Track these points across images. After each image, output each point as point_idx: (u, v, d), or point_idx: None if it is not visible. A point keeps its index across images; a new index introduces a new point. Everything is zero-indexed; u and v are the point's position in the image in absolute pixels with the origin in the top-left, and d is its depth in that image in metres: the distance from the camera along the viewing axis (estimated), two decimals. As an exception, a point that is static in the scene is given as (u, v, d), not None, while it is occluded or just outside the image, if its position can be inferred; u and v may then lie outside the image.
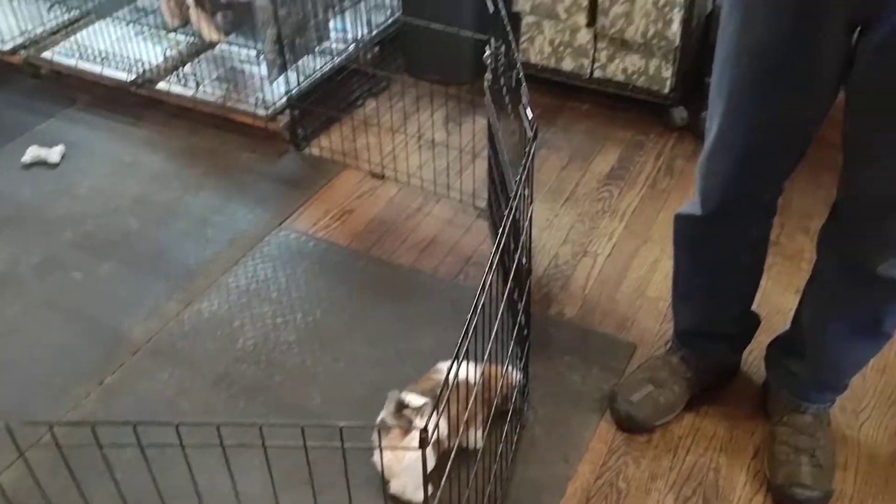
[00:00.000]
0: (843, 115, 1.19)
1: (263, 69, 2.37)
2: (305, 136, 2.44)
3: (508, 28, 1.61)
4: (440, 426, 1.09)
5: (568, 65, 2.54)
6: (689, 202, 1.44)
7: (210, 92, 2.43)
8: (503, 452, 1.46)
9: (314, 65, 2.45)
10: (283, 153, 2.42)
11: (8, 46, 2.67)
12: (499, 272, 1.29)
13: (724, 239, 1.43)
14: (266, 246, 2.08)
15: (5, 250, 2.08)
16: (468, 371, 1.29)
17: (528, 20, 2.52)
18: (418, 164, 2.34)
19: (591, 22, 2.41)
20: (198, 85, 2.43)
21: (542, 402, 1.66)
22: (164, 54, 2.54)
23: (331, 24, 2.54)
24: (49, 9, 2.72)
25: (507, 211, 1.21)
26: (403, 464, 1.38)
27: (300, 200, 2.23)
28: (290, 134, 2.41)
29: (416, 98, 2.52)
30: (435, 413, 0.91)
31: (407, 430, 1.31)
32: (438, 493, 1.13)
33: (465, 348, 0.97)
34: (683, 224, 1.47)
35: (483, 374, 1.27)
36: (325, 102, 2.45)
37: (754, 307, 1.62)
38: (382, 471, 1.32)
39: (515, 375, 1.53)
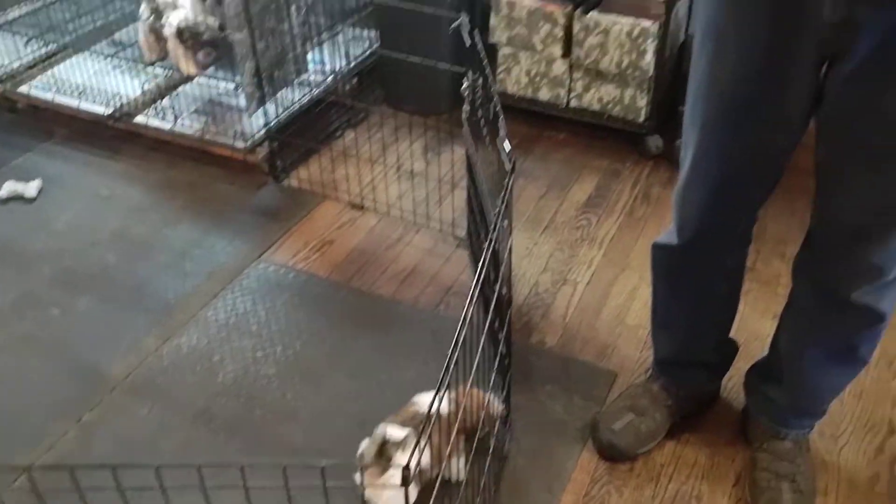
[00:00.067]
0: (815, 144, 1.21)
1: (242, 101, 2.38)
2: (284, 167, 2.44)
3: (485, 62, 1.63)
4: (423, 456, 1.08)
5: (545, 95, 2.57)
6: (666, 232, 1.46)
7: (188, 125, 2.43)
8: (486, 484, 1.46)
9: (293, 97, 2.47)
10: (261, 185, 2.42)
11: (-16, 81, 2.66)
12: (479, 302, 1.30)
13: (701, 268, 1.44)
14: (245, 279, 2.07)
15: (-19, 287, 2.06)
16: (449, 401, 1.29)
17: (504, 51, 2.55)
18: (398, 195, 2.35)
19: (567, 53, 2.45)
20: (176, 118, 2.43)
21: (524, 433, 1.66)
22: (142, 88, 2.54)
23: (309, 56, 2.56)
24: (26, 43, 2.71)
25: (486, 244, 1.22)
26: (384, 499, 1.37)
27: (279, 232, 2.23)
28: (268, 166, 2.42)
29: (395, 129, 2.54)
30: (417, 449, 0.91)
31: (388, 465, 1.30)
32: (422, 528, 1.12)
33: (447, 382, 0.97)
34: (661, 253, 1.49)
35: (464, 402, 1.28)
36: (303, 134, 2.46)
37: (732, 333, 1.63)
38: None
39: (497, 404, 1.53)
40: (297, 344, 1.88)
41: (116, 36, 2.78)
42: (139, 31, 2.50)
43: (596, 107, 2.51)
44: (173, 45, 2.32)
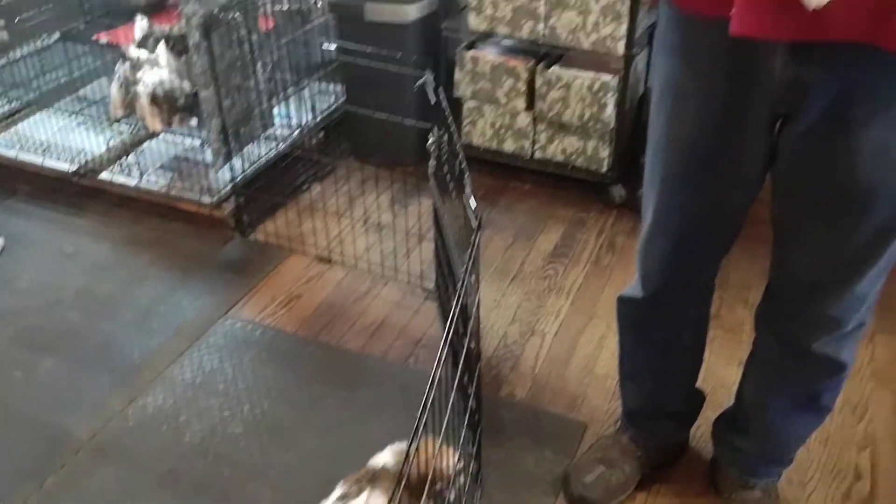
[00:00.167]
0: (771, 200, 1.24)
1: (208, 156, 2.38)
2: (251, 222, 2.44)
3: (450, 119, 1.66)
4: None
5: (509, 146, 2.61)
6: (631, 284, 1.48)
7: (154, 181, 2.43)
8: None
9: (259, 151, 2.48)
10: (228, 240, 2.42)
11: (-55, 139, 2.64)
12: (449, 357, 1.30)
13: (666, 320, 1.46)
14: (212, 336, 2.05)
15: (-60, 349, 2.02)
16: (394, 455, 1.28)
17: (469, 105, 2.59)
18: (365, 247, 2.36)
19: (530, 106, 2.50)
20: (141, 174, 2.43)
21: (495, 488, 1.65)
22: (107, 144, 2.53)
23: (275, 110, 2.58)
24: (-10, 101, 2.71)
25: (454, 302, 1.23)
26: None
27: (246, 287, 2.22)
28: (235, 221, 2.41)
29: (362, 181, 2.56)
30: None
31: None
32: None
33: (415, 448, 0.97)
34: (626, 307, 1.51)
35: (413, 457, 1.26)
36: (270, 188, 2.46)
37: (699, 381, 1.65)
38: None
39: (453, 458, 1.51)
40: (264, 402, 1.86)
41: (81, 92, 2.77)
42: (112, 85, 2.50)
43: (560, 158, 2.55)
44: (144, 103, 2.33)
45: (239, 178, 2.37)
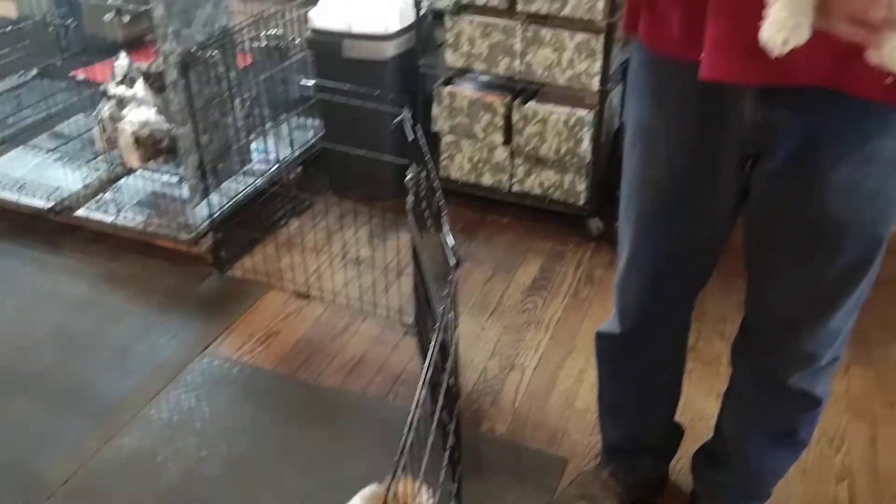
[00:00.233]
0: (743, 238, 1.26)
1: (185, 192, 2.38)
2: (229, 258, 2.43)
3: (427, 156, 1.67)
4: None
5: (487, 180, 2.62)
6: (608, 320, 1.48)
7: (131, 217, 2.42)
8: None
9: (237, 187, 2.48)
10: (206, 276, 2.41)
11: (-80, 177, 2.62)
12: (428, 396, 1.30)
13: (644, 355, 1.47)
14: (189, 374, 2.03)
15: (-89, 391, 1.99)
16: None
17: (447, 139, 2.61)
18: (344, 283, 2.36)
19: (507, 140, 2.52)
20: (118, 211, 2.42)
21: (476, 526, 1.65)
22: (84, 181, 2.52)
23: (253, 146, 2.58)
24: (-35, 139, 2.69)
25: (432, 342, 1.23)
26: None
27: (224, 324, 2.21)
28: (213, 257, 2.40)
29: (340, 216, 2.56)
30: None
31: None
32: None
33: (394, 490, 0.96)
34: (604, 342, 1.51)
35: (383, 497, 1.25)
36: (248, 223, 2.46)
37: (677, 415, 1.65)
38: None
39: (425, 496, 1.50)
40: (242, 441, 1.84)
41: (58, 128, 2.77)
42: (96, 120, 2.48)
43: (537, 191, 2.57)
44: (127, 142, 2.31)
45: (217, 214, 2.36)
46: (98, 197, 2.48)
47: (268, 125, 2.60)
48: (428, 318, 1.87)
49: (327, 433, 1.87)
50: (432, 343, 1.22)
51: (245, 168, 2.51)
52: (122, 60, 2.49)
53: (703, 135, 1.14)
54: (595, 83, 2.33)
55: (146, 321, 2.22)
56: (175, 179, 2.49)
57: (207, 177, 2.28)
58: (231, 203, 2.43)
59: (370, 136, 2.36)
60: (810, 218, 1.12)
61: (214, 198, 2.35)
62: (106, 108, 2.38)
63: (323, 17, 2.55)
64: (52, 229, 2.53)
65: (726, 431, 1.52)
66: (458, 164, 2.63)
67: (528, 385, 2.03)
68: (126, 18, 2.54)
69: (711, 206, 1.20)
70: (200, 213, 2.37)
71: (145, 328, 2.20)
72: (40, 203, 2.49)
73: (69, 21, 2.67)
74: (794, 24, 0.76)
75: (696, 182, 1.19)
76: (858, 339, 2.09)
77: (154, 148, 2.24)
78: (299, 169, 2.74)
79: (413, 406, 1.05)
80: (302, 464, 1.79)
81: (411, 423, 1.04)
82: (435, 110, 2.56)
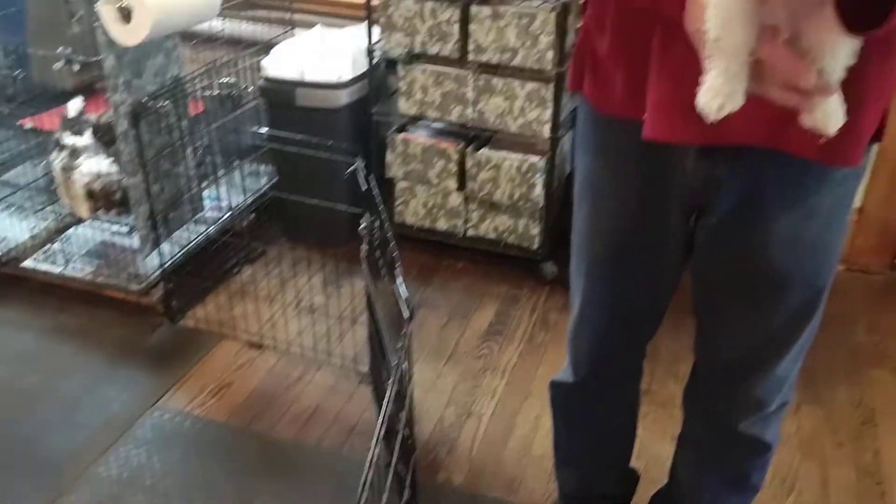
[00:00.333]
0: (691, 287, 1.28)
1: (136, 242, 2.35)
2: (180, 307, 2.40)
3: (381, 206, 1.68)
4: None
5: (442, 225, 2.64)
6: (562, 369, 1.49)
7: (80, 268, 2.37)
8: None
9: (189, 235, 2.45)
10: (157, 326, 2.37)
11: None
12: (383, 451, 1.29)
13: (597, 403, 1.48)
14: (139, 429, 1.99)
15: None
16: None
17: (401, 185, 2.62)
18: (298, 331, 2.34)
19: (461, 186, 2.54)
20: (67, 262, 2.37)
21: (434, 579, 1.63)
22: (31, 231, 2.47)
23: (205, 193, 2.56)
24: None
25: (385, 398, 1.22)
26: None
27: (175, 377, 2.17)
28: (164, 307, 2.37)
29: (293, 263, 2.55)
30: None
31: None
32: None
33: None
34: (557, 391, 1.52)
35: None
36: (200, 272, 2.43)
37: (633, 459, 1.66)
38: None
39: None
40: (195, 498, 1.80)
41: (5, 177, 2.72)
42: (55, 170, 2.43)
43: (492, 236, 2.59)
44: (78, 193, 2.27)
45: (168, 264, 2.33)
46: (46, 247, 2.43)
47: (220, 173, 2.59)
48: (383, 367, 1.87)
49: (282, 487, 1.84)
50: (386, 398, 1.22)
51: (197, 216, 2.49)
52: (76, 103, 2.44)
53: (648, 190, 1.16)
54: (546, 130, 2.37)
55: (95, 374, 2.17)
56: (125, 229, 2.46)
57: (158, 226, 2.26)
58: (183, 252, 2.40)
59: (323, 184, 2.36)
60: (755, 267, 1.15)
61: (166, 247, 2.32)
62: (58, 160, 2.34)
63: (276, 66, 2.56)
64: (-3, 281, 2.47)
65: (681, 476, 1.53)
66: (413, 209, 2.64)
67: (485, 433, 2.02)
68: (76, 67, 2.52)
69: (659, 258, 1.23)
70: (151, 262, 2.33)
71: (94, 381, 2.15)
72: (-15, 254, 2.43)
73: (17, 72, 2.63)
74: (729, 91, 0.78)
75: (643, 235, 1.21)
76: (807, 379, 2.14)
77: (107, 200, 2.21)
78: (252, 216, 2.72)
79: (367, 464, 1.04)
80: (256, 520, 1.76)
81: (365, 481, 1.03)
82: (389, 157, 2.58)
